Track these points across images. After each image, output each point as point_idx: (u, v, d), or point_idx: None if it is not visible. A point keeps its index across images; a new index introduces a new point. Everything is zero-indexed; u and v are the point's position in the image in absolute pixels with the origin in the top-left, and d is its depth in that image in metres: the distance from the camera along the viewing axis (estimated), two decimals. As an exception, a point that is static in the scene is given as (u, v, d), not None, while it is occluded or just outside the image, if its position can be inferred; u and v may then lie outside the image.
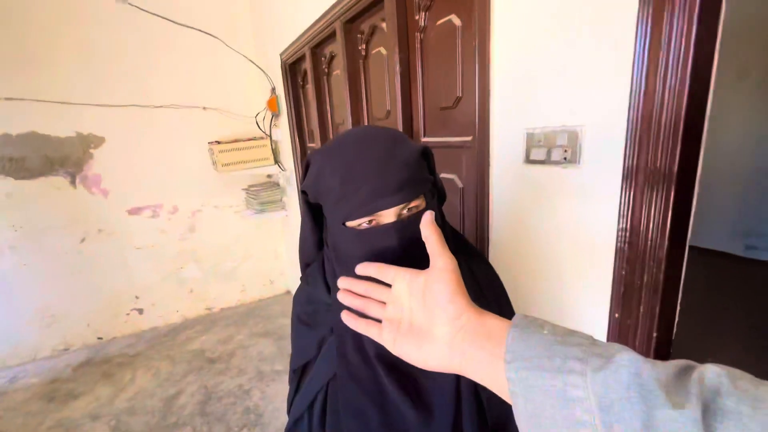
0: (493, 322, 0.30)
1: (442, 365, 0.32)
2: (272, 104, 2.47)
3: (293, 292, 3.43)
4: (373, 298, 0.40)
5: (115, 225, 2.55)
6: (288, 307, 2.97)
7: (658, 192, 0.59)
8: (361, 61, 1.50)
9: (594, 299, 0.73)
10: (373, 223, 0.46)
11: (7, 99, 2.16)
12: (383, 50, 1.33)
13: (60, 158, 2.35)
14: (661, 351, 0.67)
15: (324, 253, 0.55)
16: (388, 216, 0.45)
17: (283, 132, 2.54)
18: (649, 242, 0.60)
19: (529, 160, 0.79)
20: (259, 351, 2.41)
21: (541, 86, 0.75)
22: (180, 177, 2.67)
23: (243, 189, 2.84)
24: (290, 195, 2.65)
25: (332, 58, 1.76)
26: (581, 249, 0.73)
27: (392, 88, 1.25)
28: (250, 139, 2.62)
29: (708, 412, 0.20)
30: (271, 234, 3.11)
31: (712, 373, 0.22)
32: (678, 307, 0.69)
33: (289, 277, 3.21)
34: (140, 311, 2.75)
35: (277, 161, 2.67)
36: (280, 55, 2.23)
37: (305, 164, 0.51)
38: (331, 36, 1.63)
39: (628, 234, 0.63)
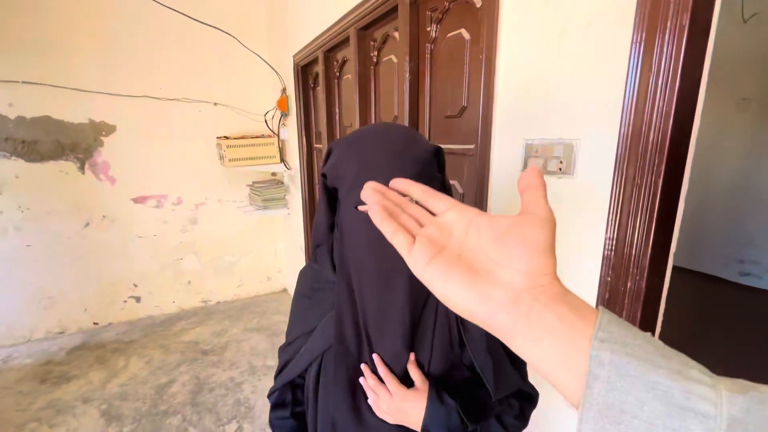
0: (578, 299, 0.26)
1: (482, 312, 0.25)
2: (282, 104, 2.53)
3: (290, 290, 3.42)
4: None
5: (119, 212, 2.59)
6: (284, 305, 3.00)
7: (644, 205, 0.63)
8: (372, 67, 1.55)
9: (581, 305, 0.76)
10: None
11: (24, 82, 2.22)
12: (394, 58, 1.38)
13: (71, 144, 2.40)
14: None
15: (334, 235, 0.60)
16: None
17: (290, 132, 2.59)
18: (633, 251, 0.64)
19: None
20: (253, 346, 2.43)
21: (541, 100, 0.79)
22: (186, 169, 2.72)
23: (247, 185, 2.89)
24: (293, 193, 2.69)
25: (344, 62, 1.81)
26: (571, 255, 0.77)
27: (401, 95, 1.30)
28: (258, 137, 2.68)
29: None
30: (271, 231, 3.15)
31: None
32: (660, 317, 0.72)
33: (287, 275, 3.24)
34: (137, 299, 2.78)
35: (282, 160, 2.72)
36: (293, 56, 2.29)
37: (327, 151, 0.56)
38: (345, 42, 1.69)
39: (614, 242, 0.67)
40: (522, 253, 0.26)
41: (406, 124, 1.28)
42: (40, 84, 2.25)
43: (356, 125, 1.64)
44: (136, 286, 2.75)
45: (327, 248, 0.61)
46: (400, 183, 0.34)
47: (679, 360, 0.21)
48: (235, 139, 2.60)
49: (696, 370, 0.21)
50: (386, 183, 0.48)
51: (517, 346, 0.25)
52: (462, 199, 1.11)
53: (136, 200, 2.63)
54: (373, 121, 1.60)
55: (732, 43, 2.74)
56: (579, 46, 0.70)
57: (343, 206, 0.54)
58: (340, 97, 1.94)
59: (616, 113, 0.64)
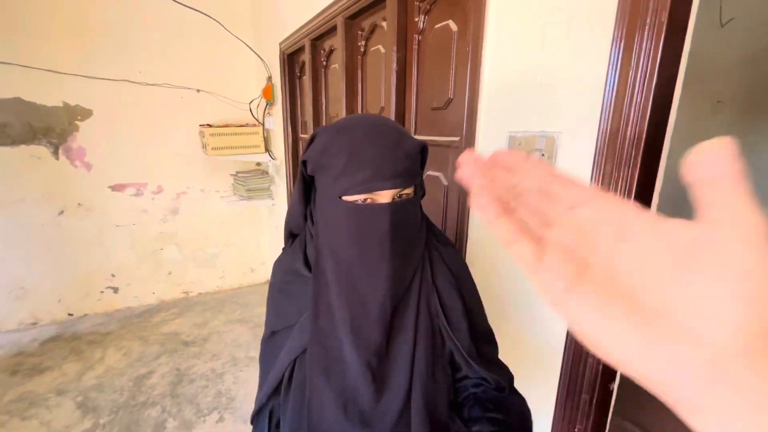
0: None
1: (656, 373, 0.16)
2: (267, 92, 2.48)
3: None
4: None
5: (95, 200, 2.50)
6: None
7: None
8: (359, 57, 1.54)
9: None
10: (368, 201, 0.50)
11: (-7, 62, 2.11)
12: (382, 48, 1.37)
13: (44, 128, 2.29)
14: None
15: (307, 228, 0.59)
16: (383, 197, 0.50)
17: (276, 121, 2.55)
18: (609, 243, 0.66)
19: (509, 163, 0.84)
20: (234, 337, 2.40)
21: (524, 93, 0.80)
22: (168, 157, 2.64)
23: (231, 174, 2.83)
24: (278, 184, 2.65)
25: (331, 51, 1.79)
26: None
27: (388, 86, 1.29)
28: (242, 126, 2.62)
29: None
30: (255, 223, 3.11)
31: None
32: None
33: (271, 267, 3.20)
34: (115, 290, 2.70)
35: (267, 149, 2.68)
36: (280, 44, 2.24)
37: (311, 137, 0.55)
38: (332, 30, 1.67)
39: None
40: (728, 292, 0.15)
41: (393, 115, 1.28)
42: (10, 63, 2.14)
43: (342, 115, 1.63)
44: (113, 276, 2.68)
45: (300, 241, 0.60)
46: (511, 157, 0.22)
47: None
48: (218, 127, 2.54)
49: None
50: (375, 177, 0.48)
51: (706, 429, 0.15)
52: (446, 191, 1.12)
53: (114, 188, 2.55)
54: (359, 112, 1.59)
55: (709, 47, 2.82)
56: (561, 41, 0.71)
57: (323, 195, 0.53)
58: (326, 87, 1.91)
59: (596, 109, 0.66)
